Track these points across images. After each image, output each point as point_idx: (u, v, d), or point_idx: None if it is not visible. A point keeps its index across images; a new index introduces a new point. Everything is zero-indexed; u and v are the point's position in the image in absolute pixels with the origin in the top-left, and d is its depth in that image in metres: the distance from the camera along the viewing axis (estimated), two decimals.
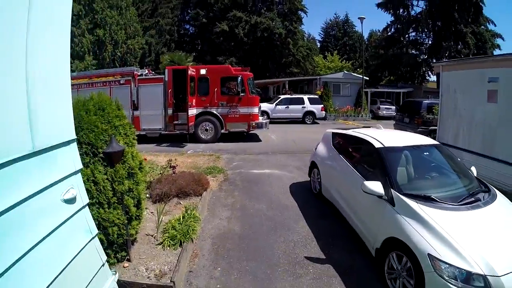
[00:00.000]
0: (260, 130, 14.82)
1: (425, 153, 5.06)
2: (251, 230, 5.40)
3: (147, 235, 4.97)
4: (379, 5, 41.07)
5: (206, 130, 13.60)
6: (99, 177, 3.75)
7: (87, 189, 3.51)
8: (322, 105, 22.43)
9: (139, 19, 34.58)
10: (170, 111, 13.33)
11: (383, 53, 44.43)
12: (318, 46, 60.86)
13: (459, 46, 36.42)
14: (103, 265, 2.84)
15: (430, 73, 44.65)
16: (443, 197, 3.87)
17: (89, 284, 2.56)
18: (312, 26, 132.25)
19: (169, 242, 4.66)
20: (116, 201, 3.90)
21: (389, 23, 42.77)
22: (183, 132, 13.43)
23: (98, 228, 3.63)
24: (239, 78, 13.23)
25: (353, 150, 5.81)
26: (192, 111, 13.13)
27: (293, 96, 23.33)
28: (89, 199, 3.50)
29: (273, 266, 4.33)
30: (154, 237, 4.89)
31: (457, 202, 3.82)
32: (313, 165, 7.05)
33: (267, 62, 43.60)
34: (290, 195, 6.98)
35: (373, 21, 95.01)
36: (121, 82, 13.41)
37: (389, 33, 43.87)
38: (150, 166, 7.26)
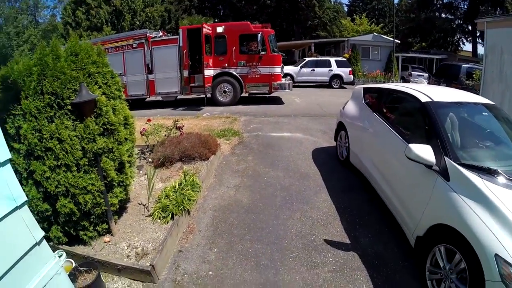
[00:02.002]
0: (283, 92, 13.64)
1: (480, 114, 3.85)
2: (261, 202, 4.49)
3: (139, 204, 4.25)
4: None
5: (225, 92, 12.54)
6: (64, 133, 3.02)
7: (50, 148, 2.98)
8: (350, 69, 20.66)
9: None
10: (186, 73, 12.37)
11: (414, 17, 41.18)
12: (346, 10, 57.48)
13: (497, 12, 33.08)
14: (37, 244, 2.09)
15: (464, 40, 41.76)
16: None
17: (10, 269, 1.84)
18: None
19: (160, 213, 3.89)
20: (87, 163, 3.16)
21: None
22: (200, 95, 12.60)
23: (66, 196, 3.06)
24: (259, 35, 11.92)
25: (391, 108, 4.65)
26: (209, 72, 12.12)
27: (319, 58, 21.64)
28: (54, 160, 2.99)
29: (283, 251, 3.43)
30: (147, 207, 4.14)
31: None
32: (340, 127, 5.96)
33: (291, 26, 41.73)
34: (312, 161, 5.95)
35: None
36: (134, 46, 12.60)
37: None
38: (155, 128, 6.42)
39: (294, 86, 17.69)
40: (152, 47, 12.47)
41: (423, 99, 3.67)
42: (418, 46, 42.94)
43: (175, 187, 4.35)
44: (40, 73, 3.05)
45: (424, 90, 3.91)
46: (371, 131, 4.61)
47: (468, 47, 41.44)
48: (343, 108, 6.02)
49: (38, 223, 3.04)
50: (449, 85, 13.13)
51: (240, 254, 3.38)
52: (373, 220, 4.04)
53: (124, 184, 3.67)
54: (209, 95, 12.43)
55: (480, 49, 38.23)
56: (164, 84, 12.67)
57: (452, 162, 2.86)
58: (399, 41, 29.69)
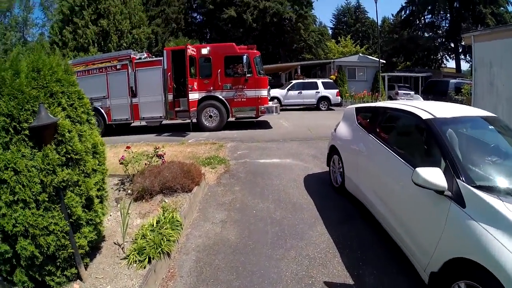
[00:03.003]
0: (270, 116, 13.27)
1: (484, 128, 3.52)
2: (250, 239, 4.02)
3: (115, 243, 3.73)
4: None
5: (210, 116, 12.14)
6: (21, 163, 2.58)
7: (5, 181, 2.57)
8: (337, 90, 20.61)
9: (144, 8, 34.19)
10: (170, 97, 12.01)
11: (397, 37, 42.38)
12: (330, 33, 58.77)
13: (479, 28, 34.27)
14: None
15: (448, 57, 42.84)
16: None
17: None
18: (324, 14, 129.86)
19: (135, 257, 3.35)
20: (47, 199, 2.69)
21: (404, 5, 40.72)
22: (185, 120, 12.19)
23: (26, 237, 2.63)
24: (245, 56, 11.66)
25: (388, 128, 4.33)
26: (194, 96, 11.77)
27: (306, 80, 21.59)
28: (10, 195, 2.57)
29: None
30: (122, 248, 3.62)
31: None
32: (332, 151, 5.58)
33: (278, 49, 42.43)
34: (305, 190, 5.52)
35: (385, 7, 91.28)
36: (117, 67, 12.31)
37: (403, 16, 41.69)
38: (134, 157, 5.96)
39: (281, 110, 17.42)
40: (136, 69, 12.16)
41: (424, 116, 3.32)
42: (403, 66, 44.04)
43: (153, 225, 3.84)
44: None
45: (423, 106, 3.58)
46: (368, 154, 4.24)
47: (451, 64, 42.87)
48: (335, 130, 5.67)
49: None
50: (438, 101, 12.94)
51: None
52: (377, 254, 3.60)
53: (94, 222, 3.14)
54: (194, 120, 12.05)
55: (464, 65, 39.53)
56: (148, 109, 12.29)
57: (467, 185, 2.48)
58: (384, 61, 30.18)
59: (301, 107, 20.38)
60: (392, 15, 50.16)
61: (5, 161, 2.56)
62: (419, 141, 3.46)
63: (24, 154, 2.64)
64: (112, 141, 11.23)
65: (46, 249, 2.66)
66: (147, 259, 3.31)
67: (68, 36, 26.09)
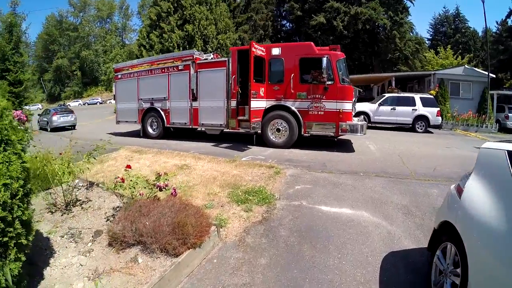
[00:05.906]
0: (353, 135, 10.05)
1: None
2: None
3: None
4: None
5: (278, 130, 9.85)
6: None
7: None
8: (438, 109, 16.65)
9: (231, 14, 35.15)
10: (234, 103, 10.15)
11: (504, 49, 34.79)
12: (427, 44, 52.40)
13: None
14: None
15: None
16: None
17: None
18: (419, 23, 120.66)
19: None
20: None
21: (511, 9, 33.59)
22: (249, 131, 10.18)
23: None
24: (325, 59, 8.80)
25: None
26: (260, 104, 9.66)
27: (402, 94, 17.80)
28: None
29: None
30: None
31: None
32: (445, 231, 2.86)
33: (370, 59, 39.01)
34: None
35: (488, 14, 79.68)
36: (179, 68, 11.34)
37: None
38: (132, 180, 4.06)
39: (369, 127, 14.30)
40: (198, 70, 10.83)
41: None
42: (510, 83, 36.55)
43: None
44: None
45: None
46: None
47: None
48: (458, 191, 2.89)
49: None
50: None
51: None
52: None
53: None
54: (256, 131, 10.09)
55: None
56: (209, 114, 10.86)
57: None
58: (494, 75, 24.57)
59: (393, 126, 17.03)
60: (497, 22, 42.22)
61: None
62: None
63: None
64: (162, 145, 9.92)
65: None
66: None
67: (154, 39, 27.74)
